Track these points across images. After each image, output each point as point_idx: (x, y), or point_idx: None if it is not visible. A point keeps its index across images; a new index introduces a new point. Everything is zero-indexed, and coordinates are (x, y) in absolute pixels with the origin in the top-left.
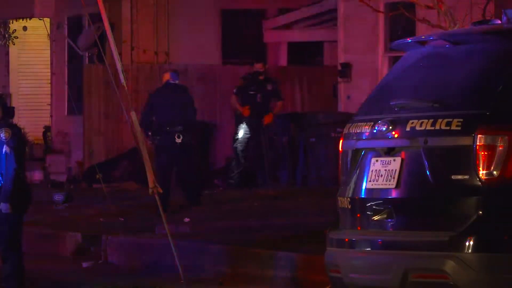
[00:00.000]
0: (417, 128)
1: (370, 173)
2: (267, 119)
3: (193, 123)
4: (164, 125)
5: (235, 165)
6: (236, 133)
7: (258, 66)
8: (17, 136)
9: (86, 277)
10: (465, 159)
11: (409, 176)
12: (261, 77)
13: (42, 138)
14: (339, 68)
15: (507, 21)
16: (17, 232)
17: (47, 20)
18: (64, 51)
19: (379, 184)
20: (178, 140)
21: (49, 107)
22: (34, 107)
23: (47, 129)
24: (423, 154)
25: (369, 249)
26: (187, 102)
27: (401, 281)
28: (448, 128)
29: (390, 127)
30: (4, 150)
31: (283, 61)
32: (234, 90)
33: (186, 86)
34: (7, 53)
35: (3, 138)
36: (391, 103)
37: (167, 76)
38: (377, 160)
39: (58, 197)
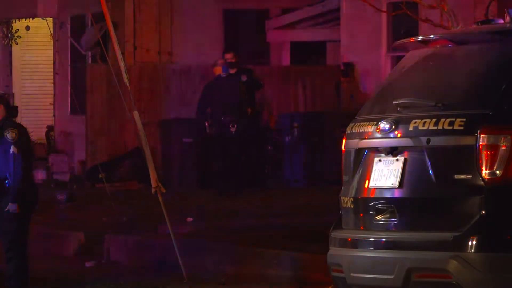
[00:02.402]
0: (420, 127)
1: (373, 172)
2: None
3: (246, 113)
4: (218, 116)
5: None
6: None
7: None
8: (24, 136)
9: (89, 276)
10: (468, 159)
11: (412, 175)
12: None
13: (45, 137)
14: (342, 67)
15: (510, 20)
16: (24, 232)
17: (50, 19)
18: (67, 50)
19: (382, 184)
20: (233, 129)
21: (52, 107)
22: (37, 107)
23: (50, 128)
24: (426, 154)
25: (372, 248)
26: (239, 92)
27: (404, 280)
28: (451, 127)
29: (393, 127)
30: (11, 150)
31: (286, 60)
32: None
33: (237, 77)
34: (10, 53)
35: (10, 138)
36: (393, 103)
37: (218, 70)
38: (380, 160)
39: (61, 196)
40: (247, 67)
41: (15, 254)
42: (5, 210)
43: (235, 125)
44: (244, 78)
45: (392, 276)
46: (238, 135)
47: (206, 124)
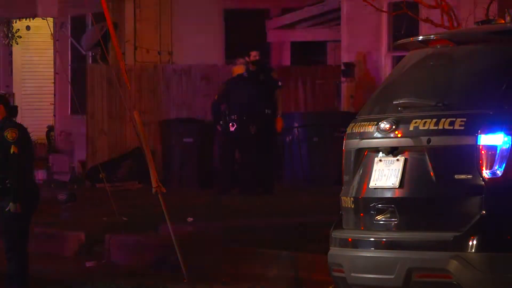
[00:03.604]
0: (420, 127)
1: (373, 172)
2: (278, 126)
3: (265, 114)
4: (236, 114)
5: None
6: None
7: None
8: (24, 136)
9: (89, 276)
10: (468, 158)
11: (412, 175)
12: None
13: (45, 137)
14: (342, 67)
15: (510, 20)
16: (24, 232)
17: (50, 19)
18: (67, 50)
19: (382, 184)
20: (253, 130)
21: (52, 107)
22: (37, 107)
23: (50, 128)
24: (426, 154)
25: (372, 248)
26: (259, 93)
27: (405, 280)
28: (451, 127)
29: (393, 127)
30: (12, 150)
31: (286, 60)
32: None
33: (258, 77)
34: (11, 53)
35: (10, 138)
36: (394, 103)
37: (237, 69)
38: (380, 160)
39: (62, 196)
40: (268, 66)
41: (16, 254)
42: (6, 210)
43: (254, 126)
44: (261, 77)
45: (392, 276)
46: (257, 135)
47: (220, 123)
